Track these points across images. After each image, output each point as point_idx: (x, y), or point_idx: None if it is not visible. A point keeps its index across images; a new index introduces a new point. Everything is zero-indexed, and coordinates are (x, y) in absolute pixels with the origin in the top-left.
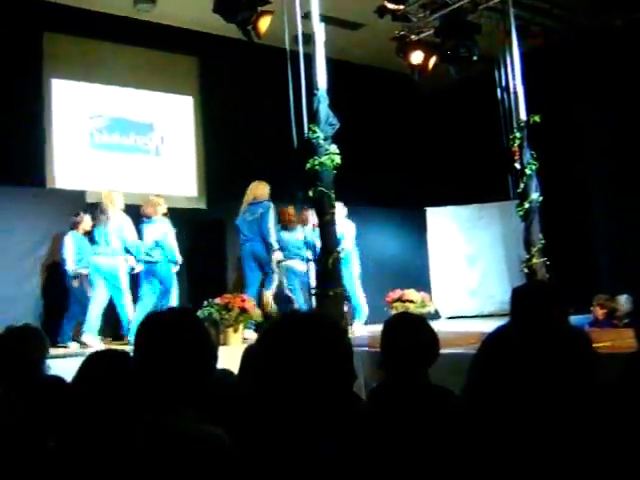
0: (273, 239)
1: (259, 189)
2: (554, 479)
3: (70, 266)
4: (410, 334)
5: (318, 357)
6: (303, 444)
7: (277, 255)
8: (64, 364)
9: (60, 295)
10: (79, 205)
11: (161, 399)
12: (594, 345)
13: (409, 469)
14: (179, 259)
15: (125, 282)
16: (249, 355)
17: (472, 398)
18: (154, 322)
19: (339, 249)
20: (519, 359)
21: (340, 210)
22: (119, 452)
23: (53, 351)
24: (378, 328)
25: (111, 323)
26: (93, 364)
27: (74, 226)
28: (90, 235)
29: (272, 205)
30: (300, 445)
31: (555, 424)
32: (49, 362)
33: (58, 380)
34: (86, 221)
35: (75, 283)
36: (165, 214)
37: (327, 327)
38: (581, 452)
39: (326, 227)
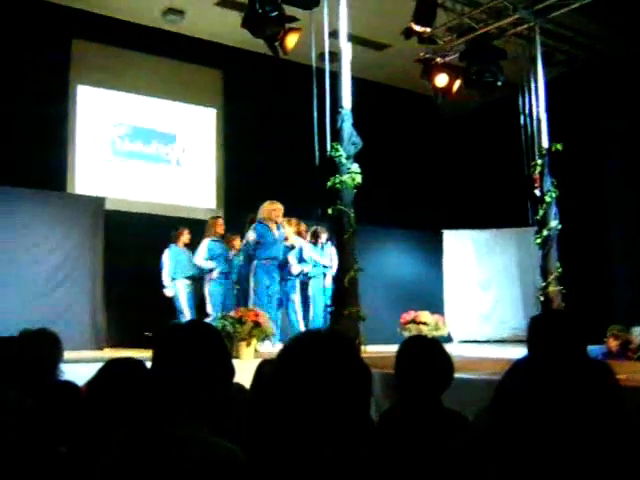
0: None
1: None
2: None
3: (165, 279)
4: (426, 357)
5: (337, 375)
6: (312, 453)
7: None
8: (79, 369)
9: (76, 298)
10: (98, 211)
11: (176, 410)
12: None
13: None
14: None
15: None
16: (263, 370)
17: (495, 427)
18: (174, 333)
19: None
20: (542, 390)
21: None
22: (130, 460)
23: (67, 355)
24: (390, 349)
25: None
26: (110, 371)
27: (175, 239)
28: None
29: None
30: (309, 453)
31: (580, 454)
32: (63, 367)
33: (70, 385)
34: (185, 234)
35: (168, 293)
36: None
37: (347, 345)
38: None
39: (344, 246)
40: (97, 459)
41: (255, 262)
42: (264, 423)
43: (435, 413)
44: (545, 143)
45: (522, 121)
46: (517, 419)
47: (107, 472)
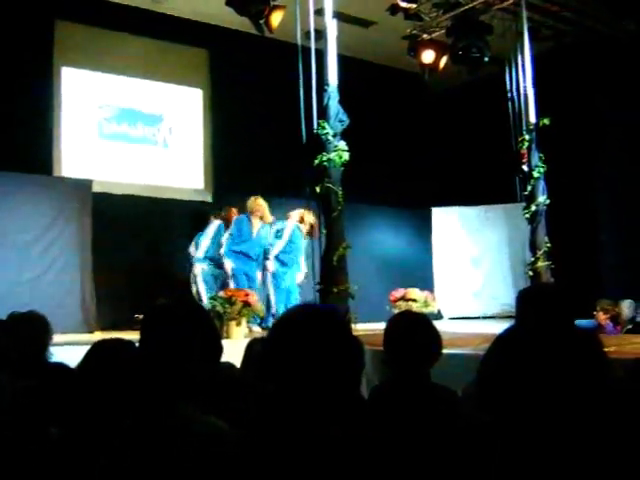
0: None
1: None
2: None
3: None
4: (413, 333)
5: (330, 348)
6: (319, 431)
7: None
8: (69, 352)
9: (66, 281)
10: (86, 194)
11: (165, 389)
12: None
13: (408, 467)
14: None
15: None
16: (253, 348)
17: (482, 396)
18: (161, 313)
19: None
20: (530, 359)
21: None
22: (122, 440)
23: (57, 338)
24: (380, 326)
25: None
26: (99, 352)
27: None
28: None
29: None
30: (316, 431)
31: (565, 424)
32: (52, 349)
33: (62, 367)
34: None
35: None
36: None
37: (339, 320)
38: (591, 455)
39: (333, 224)
40: (89, 440)
41: None
42: (260, 400)
43: (423, 388)
44: (532, 118)
45: (509, 96)
46: (502, 391)
47: (110, 465)
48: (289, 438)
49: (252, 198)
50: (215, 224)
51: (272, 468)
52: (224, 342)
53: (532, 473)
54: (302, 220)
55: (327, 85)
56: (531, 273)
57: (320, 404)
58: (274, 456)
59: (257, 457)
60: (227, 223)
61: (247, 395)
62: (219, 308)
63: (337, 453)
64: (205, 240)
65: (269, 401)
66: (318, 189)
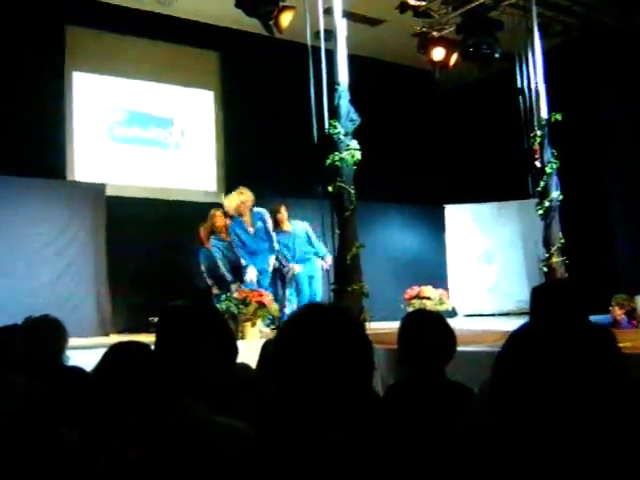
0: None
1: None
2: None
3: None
4: (428, 331)
5: (340, 348)
6: (321, 433)
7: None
8: (85, 355)
9: (81, 285)
10: (99, 198)
11: (170, 389)
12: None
13: (422, 465)
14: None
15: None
16: (268, 349)
17: (496, 395)
18: (174, 314)
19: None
20: (544, 357)
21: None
22: (122, 440)
23: (72, 342)
24: (395, 325)
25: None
26: (115, 355)
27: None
28: None
29: None
30: (318, 434)
31: (580, 423)
32: (68, 353)
33: (78, 370)
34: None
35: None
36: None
37: (349, 319)
38: (607, 453)
39: (346, 223)
40: (107, 443)
41: None
42: (270, 402)
43: (439, 385)
44: (544, 114)
45: (520, 93)
46: (516, 389)
47: (109, 465)
48: (290, 440)
49: (231, 197)
50: (212, 242)
51: (271, 470)
52: (239, 343)
53: (541, 474)
54: (279, 220)
55: (338, 84)
56: (545, 269)
57: (326, 406)
58: (273, 459)
59: (257, 459)
60: (217, 229)
61: (258, 396)
62: (233, 309)
63: (337, 456)
64: (220, 261)
65: (272, 403)
66: (330, 189)
